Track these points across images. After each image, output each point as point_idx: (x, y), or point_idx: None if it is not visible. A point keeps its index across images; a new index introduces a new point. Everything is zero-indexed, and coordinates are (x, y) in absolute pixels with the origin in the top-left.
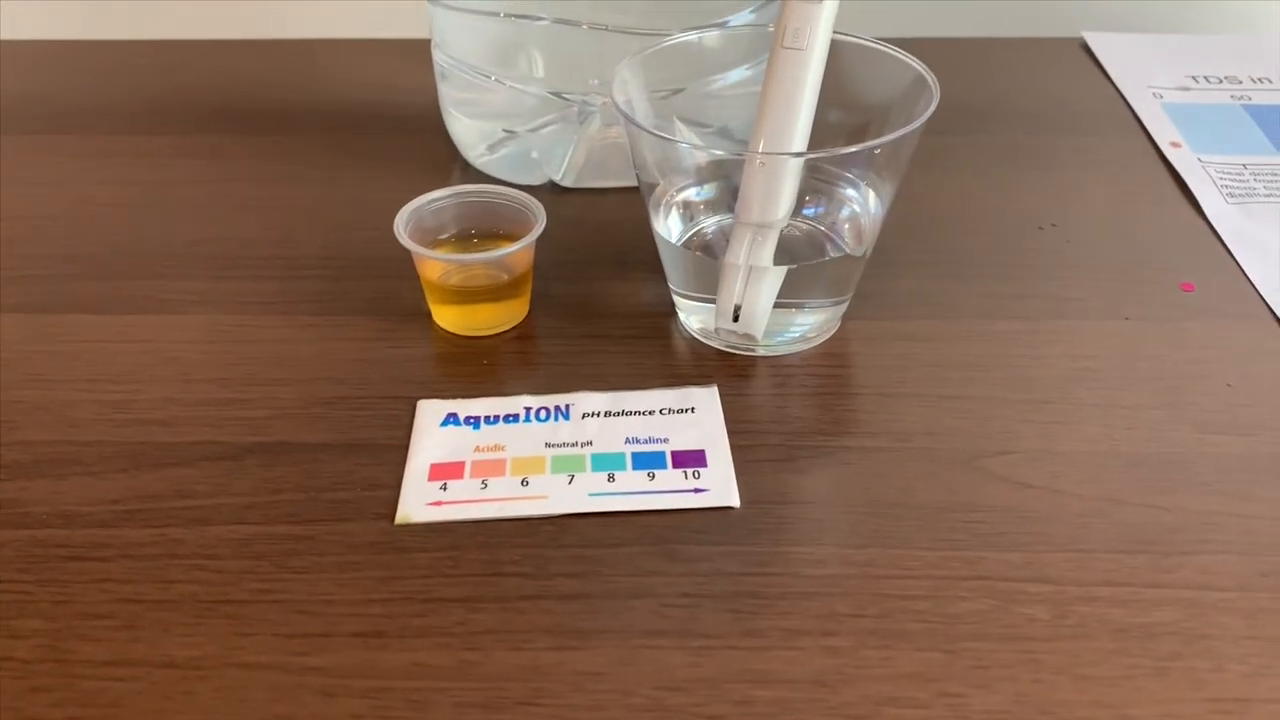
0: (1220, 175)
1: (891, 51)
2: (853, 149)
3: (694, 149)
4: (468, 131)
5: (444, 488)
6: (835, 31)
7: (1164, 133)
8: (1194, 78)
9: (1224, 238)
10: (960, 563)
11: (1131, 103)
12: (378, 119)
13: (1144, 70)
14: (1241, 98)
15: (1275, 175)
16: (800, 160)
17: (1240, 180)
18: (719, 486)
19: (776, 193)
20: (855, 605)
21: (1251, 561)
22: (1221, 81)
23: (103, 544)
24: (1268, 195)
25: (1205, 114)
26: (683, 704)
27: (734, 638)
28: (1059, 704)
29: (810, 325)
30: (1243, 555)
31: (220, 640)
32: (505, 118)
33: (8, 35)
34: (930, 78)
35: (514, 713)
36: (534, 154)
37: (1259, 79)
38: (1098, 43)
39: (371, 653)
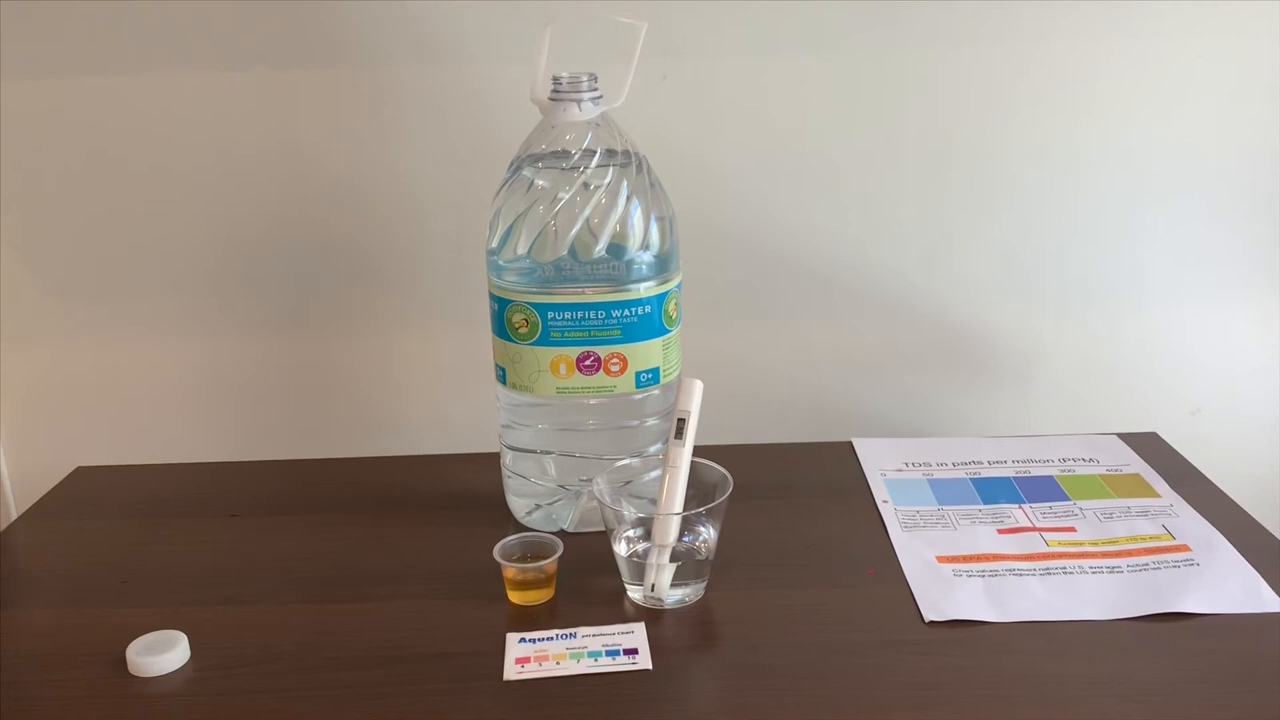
0: (903, 517)
1: (713, 464)
2: (693, 512)
3: (630, 517)
4: (515, 504)
5: (522, 668)
6: (695, 456)
7: (880, 495)
8: (907, 463)
9: (897, 550)
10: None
11: (868, 479)
12: (471, 503)
13: (880, 460)
14: (929, 474)
15: (929, 517)
16: (678, 516)
17: (913, 519)
18: (643, 660)
19: (668, 531)
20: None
21: None
22: (920, 466)
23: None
24: (924, 526)
25: (906, 484)
26: None
27: None
28: None
29: (688, 593)
30: None
31: None
32: (535, 498)
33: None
34: (728, 478)
35: None
36: (554, 516)
37: (940, 463)
38: (859, 445)
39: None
